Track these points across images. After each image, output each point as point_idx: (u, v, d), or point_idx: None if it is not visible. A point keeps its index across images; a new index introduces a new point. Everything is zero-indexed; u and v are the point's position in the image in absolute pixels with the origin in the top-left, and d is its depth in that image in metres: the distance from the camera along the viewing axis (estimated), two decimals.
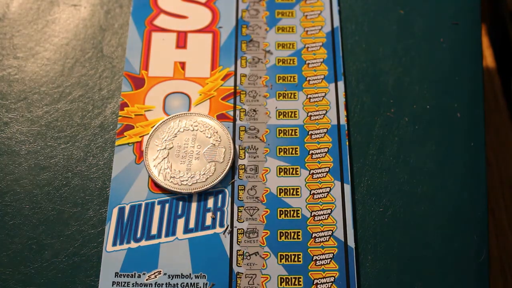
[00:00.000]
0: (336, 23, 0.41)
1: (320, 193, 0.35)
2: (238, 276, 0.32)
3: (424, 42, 0.40)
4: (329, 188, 0.35)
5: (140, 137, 0.36)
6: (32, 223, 0.34)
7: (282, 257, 0.33)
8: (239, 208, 0.34)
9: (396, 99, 0.38)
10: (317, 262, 0.33)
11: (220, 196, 0.34)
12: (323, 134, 0.36)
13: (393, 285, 0.33)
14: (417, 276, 0.33)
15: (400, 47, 0.40)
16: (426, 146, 0.36)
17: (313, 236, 0.33)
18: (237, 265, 0.33)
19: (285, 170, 0.35)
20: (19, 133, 0.36)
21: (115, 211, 0.34)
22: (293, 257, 0.33)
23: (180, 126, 0.36)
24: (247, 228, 0.34)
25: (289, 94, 0.38)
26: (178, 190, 0.34)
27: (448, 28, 0.41)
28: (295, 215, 0.34)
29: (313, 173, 0.35)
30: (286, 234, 0.33)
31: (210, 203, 0.34)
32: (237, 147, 0.36)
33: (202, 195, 0.34)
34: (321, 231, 0.33)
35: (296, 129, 0.37)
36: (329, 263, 0.33)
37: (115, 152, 0.36)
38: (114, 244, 0.33)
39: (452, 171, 0.36)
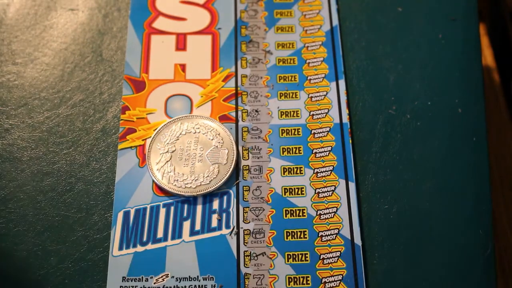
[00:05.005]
0: (335, 21, 0.41)
1: (325, 191, 0.35)
2: (246, 277, 0.32)
3: (423, 38, 0.40)
4: (333, 187, 0.35)
5: (142, 140, 0.36)
6: (36, 230, 0.33)
7: (289, 256, 0.33)
8: (245, 209, 0.34)
9: (397, 96, 0.38)
10: (324, 260, 0.33)
11: (225, 197, 0.34)
12: (326, 133, 0.36)
13: (401, 281, 0.33)
14: (424, 272, 0.33)
15: (399, 44, 0.40)
16: (428, 142, 0.37)
17: (319, 235, 0.33)
18: (244, 266, 0.32)
19: (289, 169, 0.35)
20: (21, 139, 0.36)
21: (120, 215, 0.34)
22: (300, 256, 0.33)
23: (182, 129, 0.36)
24: (253, 229, 0.33)
25: (291, 94, 0.38)
26: (182, 193, 0.34)
27: (446, 24, 0.41)
28: (300, 214, 0.34)
29: (317, 172, 0.35)
30: (293, 233, 0.33)
31: (215, 204, 0.34)
32: (240, 148, 0.36)
33: (207, 197, 0.34)
34: (328, 230, 0.33)
35: (299, 129, 0.37)
36: (337, 262, 0.33)
37: (118, 156, 0.35)
38: (120, 248, 0.33)
39: (455, 167, 0.36)
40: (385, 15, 0.41)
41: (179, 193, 0.34)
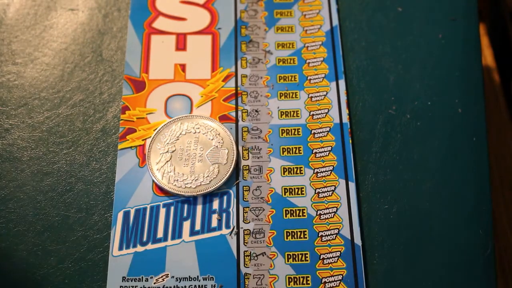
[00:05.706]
0: (335, 21, 0.41)
1: (325, 191, 0.35)
2: (246, 277, 0.32)
3: (423, 38, 0.40)
4: (333, 187, 0.35)
5: (142, 140, 0.36)
6: (36, 230, 0.33)
7: (289, 256, 0.33)
8: (245, 209, 0.34)
9: (397, 96, 0.38)
10: (324, 260, 0.33)
11: (225, 197, 0.34)
12: (326, 133, 0.36)
13: (401, 281, 0.33)
14: (424, 272, 0.33)
15: (399, 44, 0.40)
16: (428, 142, 0.37)
17: (319, 235, 0.33)
18: (244, 266, 0.32)
19: (289, 169, 0.35)
20: (21, 139, 0.36)
21: (120, 215, 0.34)
22: (300, 256, 0.33)
23: (182, 129, 0.36)
24: (253, 229, 0.33)
25: (291, 94, 0.38)
26: (182, 193, 0.34)
27: (446, 24, 0.41)
28: (300, 214, 0.34)
29: (317, 172, 0.35)
30: (293, 233, 0.33)
31: (216, 204, 0.34)
32: (240, 148, 0.36)
33: (207, 197, 0.34)
34: (328, 230, 0.33)
35: (299, 129, 0.37)
36: (337, 262, 0.33)
37: (118, 156, 0.35)
38: (120, 248, 0.33)
39: (455, 167, 0.36)
40: (385, 15, 0.41)
41: (179, 193, 0.34)
